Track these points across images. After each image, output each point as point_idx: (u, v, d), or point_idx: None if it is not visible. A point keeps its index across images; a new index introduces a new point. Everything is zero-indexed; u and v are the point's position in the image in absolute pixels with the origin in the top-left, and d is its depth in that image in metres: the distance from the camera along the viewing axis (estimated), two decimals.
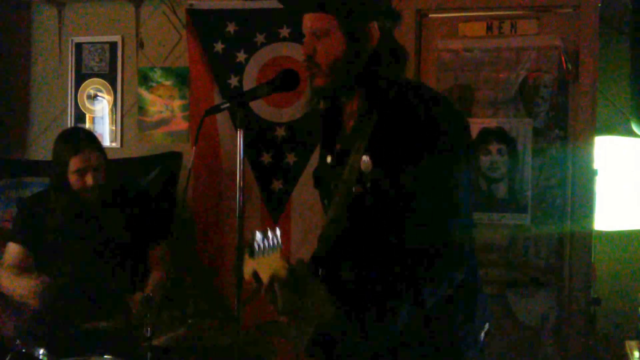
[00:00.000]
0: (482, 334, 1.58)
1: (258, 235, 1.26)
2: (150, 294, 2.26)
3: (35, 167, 3.30)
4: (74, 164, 2.45)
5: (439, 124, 1.44)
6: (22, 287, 2.45)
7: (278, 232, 1.31)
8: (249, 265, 1.29)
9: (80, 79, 3.50)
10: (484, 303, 1.60)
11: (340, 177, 1.51)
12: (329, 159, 1.63)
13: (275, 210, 3.12)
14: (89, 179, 2.45)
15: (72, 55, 3.51)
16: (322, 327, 1.39)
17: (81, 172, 2.45)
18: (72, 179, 2.46)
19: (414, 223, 1.41)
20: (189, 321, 2.20)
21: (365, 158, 1.45)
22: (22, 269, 2.54)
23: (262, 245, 1.27)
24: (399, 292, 1.37)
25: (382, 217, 1.45)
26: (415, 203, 1.41)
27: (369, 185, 1.43)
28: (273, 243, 1.30)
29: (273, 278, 1.28)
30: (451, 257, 1.42)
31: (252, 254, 1.26)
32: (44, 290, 2.33)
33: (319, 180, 1.70)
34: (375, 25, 1.50)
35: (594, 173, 2.86)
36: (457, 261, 1.43)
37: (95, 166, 2.47)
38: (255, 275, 1.28)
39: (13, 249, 2.58)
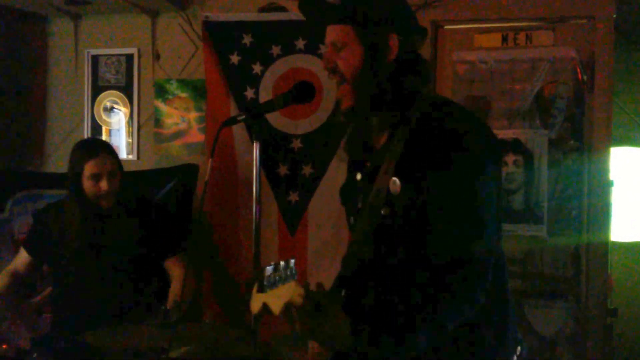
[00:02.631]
0: (515, 358, 1.53)
1: (268, 270, 1.23)
2: (168, 307, 2.25)
3: (53, 179, 3.31)
4: (89, 168, 2.45)
5: (464, 141, 1.42)
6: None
7: (292, 262, 1.27)
8: (258, 300, 1.25)
9: (96, 91, 3.53)
10: (515, 326, 1.57)
11: (367, 197, 1.49)
12: (358, 177, 1.61)
13: (292, 222, 3.11)
14: (104, 184, 2.45)
15: (88, 67, 3.54)
16: (340, 351, 1.37)
17: (96, 177, 2.45)
18: (87, 184, 2.46)
19: (437, 244, 1.39)
20: (207, 333, 2.20)
21: (395, 179, 1.43)
22: (22, 277, 2.62)
23: (272, 278, 1.24)
24: (417, 315, 1.33)
25: (408, 240, 1.43)
26: (440, 224, 1.38)
27: (397, 208, 1.40)
28: (286, 274, 1.25)
29: (288, 305, 1.26)
30: (473, 278, 1.38)
31: (261, 289, 1.22)
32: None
33: (346, 198, 1.68)
34: (394, 37, 1.49)
35: (610, 184, 2.86)
36: (479, 282, 1.39)
37: (110, 172, 2.47)
38: (265, 308, 1.24)
39: (21, 255, 2.64)
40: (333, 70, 1.51)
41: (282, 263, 1.24)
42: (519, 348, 1.55)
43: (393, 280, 1.45)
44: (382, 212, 1.43)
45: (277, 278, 1.23)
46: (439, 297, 1.34)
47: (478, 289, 1.39)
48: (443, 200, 1.39)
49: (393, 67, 1.50)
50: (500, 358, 1.50)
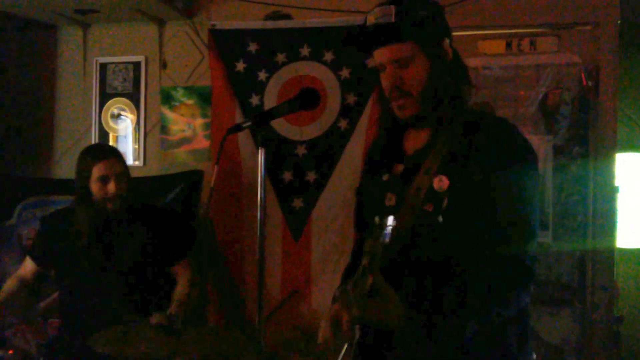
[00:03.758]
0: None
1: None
2: (172, 312, 2.26)
3: (61, 186, 3.33)
4: (97, 171, 2.45)
5: (520, 146, 1.48)
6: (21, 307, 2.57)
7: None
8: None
9: (104, 98, 3.57)
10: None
11: (402, 195, 1.52)
12: (385, 177, 1.62)
13: (296, 228, 3.12)
14: (112, 187, 2.44)
15: (96, 75, 3.58)
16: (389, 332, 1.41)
17: (103, 180, 2.45)
18: (95, 187, 2.46)
19: (492, 244, 1.42)
20: (211, 339, 2.20)
21: (441, 177, 1.46)
22: (28, 283, 2.64)
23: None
24: (470, 305, 1.38)
25: (452, 237, 1.46)
26: (495, 224, 1.43)
27: (444, 204, 1.43)
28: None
29: (344, 290, 1.31)
30: (523, 279, 1.44)
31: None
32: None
33: (368, 198, 1.69)
34: (447, 41, 1.53)
35: (615, 190, 2.85)
36: (528, 284, 1.45)
37: (118, 174, 2.47)
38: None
39: (27, 264, 2.65)
40: (398, 87, 1.52)
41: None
42: (534, 354, 1.59)
43: (435, 272, 1.48)
44: (425, 208, 1.46)
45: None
46: (492, 292, 1.40)
47: (527, 289, 1.45)
48: (502, 200, 1.43)
49: (451, 71, 1.54)
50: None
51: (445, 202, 1.43)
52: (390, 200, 1.58)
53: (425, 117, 1.55)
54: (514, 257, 1.42)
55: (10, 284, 2.64)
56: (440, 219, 1.42)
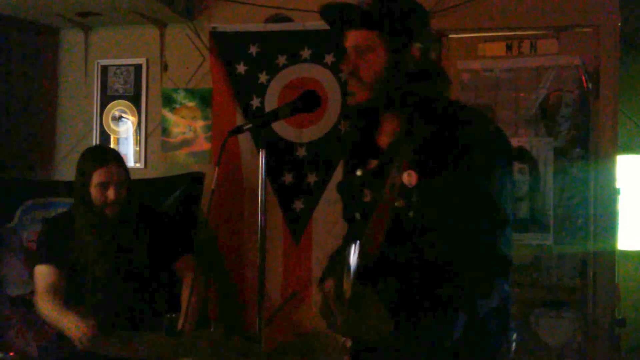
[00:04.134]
0: (514, 345, 1.62)
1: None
2: (174, 316, 2.25)
3: (62, 188, 3.33)
4: (97, 177, 2.45)
5: (490, 139, 1.49)
6: (67, 323, 2.31)
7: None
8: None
9: (105, 100, 3.58)
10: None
11: (378, 191, 1.52)
12: (358, 173, 1.64)
13: (297, 230, 3.12)
14: (111, 193, 2.45)
15: (98, 77, 3.59)
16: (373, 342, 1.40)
17: (103, 186, 2.45)
18: (94, 193, 2.46)
19: (466, 235, 1.43)
20: (212, 342, 2.20)
21: (409, 172, 1.45)
22: (56, 291, 2.46)
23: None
24: (455, 302, 1.40)
25: (425, 231, 1.47)
26: (466, 216, 1.43)
27: (414, 199, 1.42)
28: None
29: (326, 303, 1.29)
30: (501, 268, 1.46)
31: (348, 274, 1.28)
32: (91, 336, 2.21)
33: (347, 194, 1.72)
34: (417, 45, 1.54)
35: (616, 192, 2.85)
36: (506, 272, 1.47)
37: (118, 181, 2.47)
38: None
39: (42, 272, 2.51)
40: (353, 73, 1.55)
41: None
42: (514, 334, 1.64)
43: (412, 271, 1.49)
44: (396, 204, 1.44)
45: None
46: (473, 286, 1.41)
47: (506, 277, 1.47)
48: (470, 194, 1.44)
49: (414, 73, 1.54)
50: (503, 343, 1.57)
51: (415, 197, 1.43)
52: (367, 196, 1.59)
53: (375, 109, 1.56)
54: (488, 247, 1.44)
55: (48, 301, 2.43)
56: (412, 214, 1.42)
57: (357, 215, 1.66)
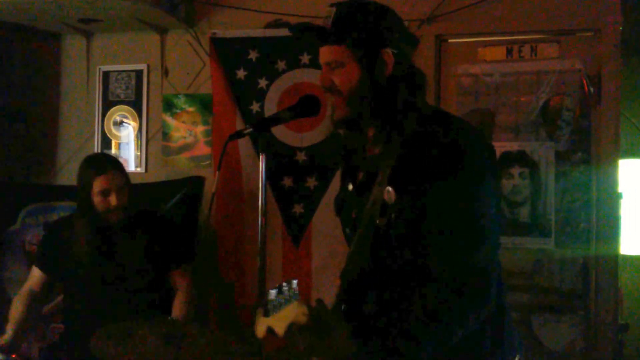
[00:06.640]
0: None
1: (272, 294, 1.22)
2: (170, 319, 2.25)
3: (64, 192, 3.36)
4: (98, 184, 2.47)
5: (463, 152, 1.41)
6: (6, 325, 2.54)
7: (295, 283, 1.25)
8: (263, 324, 1.25)
9: (107, 106, 3.60)
10: (513, 332, 1.56)
11: (363, 208, 1.49)
12: (350, 187, 1.62)
13: (296, 234, 3.12)
14: (113, 200, 2.47)
15: (99, 83, 3.61)
16: None
17: (105, 193, 2.47)
18: (96, 200, 2.48)
19: (438, 256, 1.38)
20: (210, 347, 2.19)
21: (388, 189, 1.43)
22: (34, 296, 2.62)
23: (277, 301, 1.23)
24: (423, 328, 1.33)
25: (406, 250, 1.43)
26: (439, 235, 1.38)
27: (393, 216, 1.41)
28: (289, 296, 1.23)
29: (291, 326, 1.25)
30: (477, 292, 1.37)
31: (266, 314, 1.22)
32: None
33: (340, 209, 1.69)
34: (389, 51, 1.50)
35: (618, 196, 2.83)
36: (483, 296, 1.38)
37: (119, 187, 2.49)
38: (270, 330, 1.24)
39: (33, 273, 2.65)
40: (330, 89, 1.53)
41: (284, 284, 1.24)
42: (517, 356, 1.54)
43: (392, 290, 1.45)
44: (377, 221, 1.43)
45: (281, 300, 1.23)
46: (444, 309, 1.33)
47: (483, 301, 1.38)
48: (443, 211, 1.38)
49: (389, 80, 1.51)
50: None
51: (394, 214, 1.40)
52: (354, 212, 1.57)
53: (357, 122, 1.52)
54: (465, 269, 1.35)
55: (20, 303, 2.59)
56: (392, 232, 1.40)
57: (347, 231, 1.65)
